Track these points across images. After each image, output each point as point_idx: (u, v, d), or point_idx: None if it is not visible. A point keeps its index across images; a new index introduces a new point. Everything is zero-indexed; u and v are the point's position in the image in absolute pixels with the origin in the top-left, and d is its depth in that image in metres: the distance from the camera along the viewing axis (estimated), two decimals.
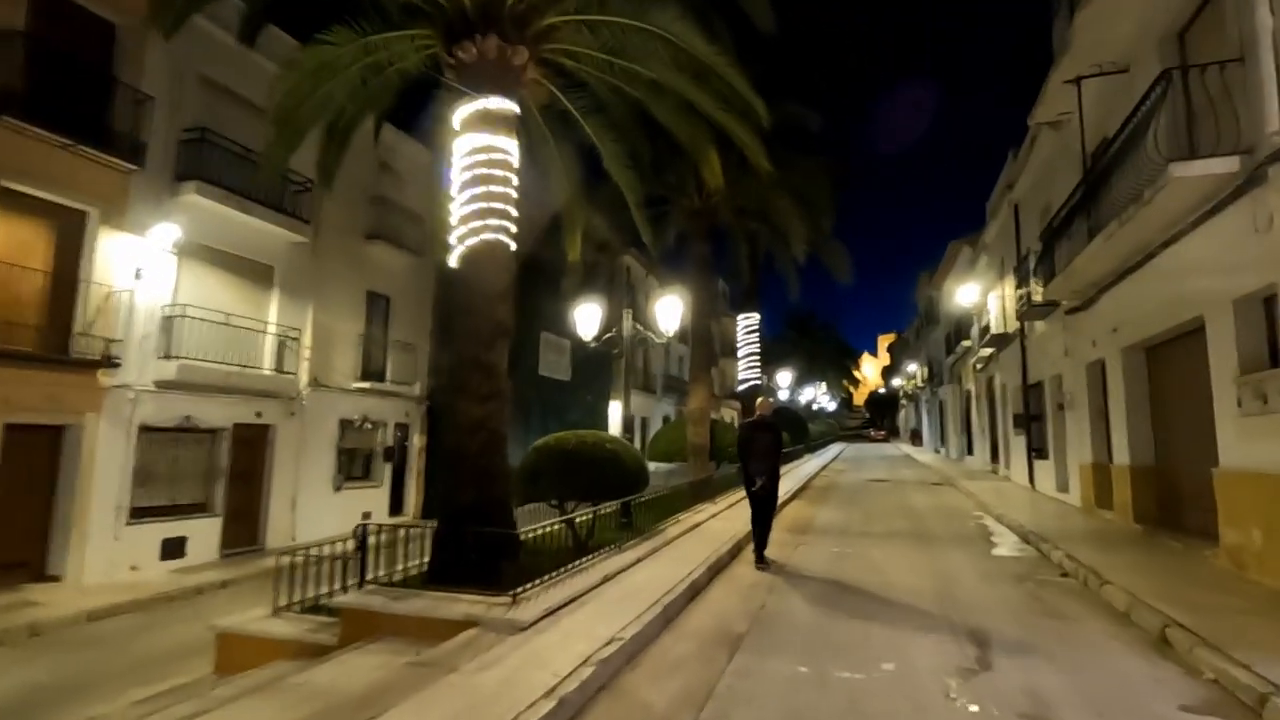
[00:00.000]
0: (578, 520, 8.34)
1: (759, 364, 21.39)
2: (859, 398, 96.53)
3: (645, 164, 10.71)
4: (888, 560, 8.06)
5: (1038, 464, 15.04)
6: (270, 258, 13.49)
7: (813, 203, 14.15)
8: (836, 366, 56.40)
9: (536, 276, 20.08)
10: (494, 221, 6.97)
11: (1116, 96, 9.57)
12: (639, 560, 7.23)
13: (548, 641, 4.60)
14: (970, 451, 25.54)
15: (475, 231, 6.94)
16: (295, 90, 7.61)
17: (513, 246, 7.19)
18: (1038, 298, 13.42)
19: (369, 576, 5.93)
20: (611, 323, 11.82)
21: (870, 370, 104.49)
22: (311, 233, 14.07)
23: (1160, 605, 5.45)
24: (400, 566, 6.53)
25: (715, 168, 9.31)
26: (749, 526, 9.92)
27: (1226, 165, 6.43)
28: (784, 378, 31.39)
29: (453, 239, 7.08)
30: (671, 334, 11.25)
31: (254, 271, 13.27)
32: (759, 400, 8.91)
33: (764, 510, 7.98)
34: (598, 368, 26.02)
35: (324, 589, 6.23)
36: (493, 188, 7.01)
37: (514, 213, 7.22)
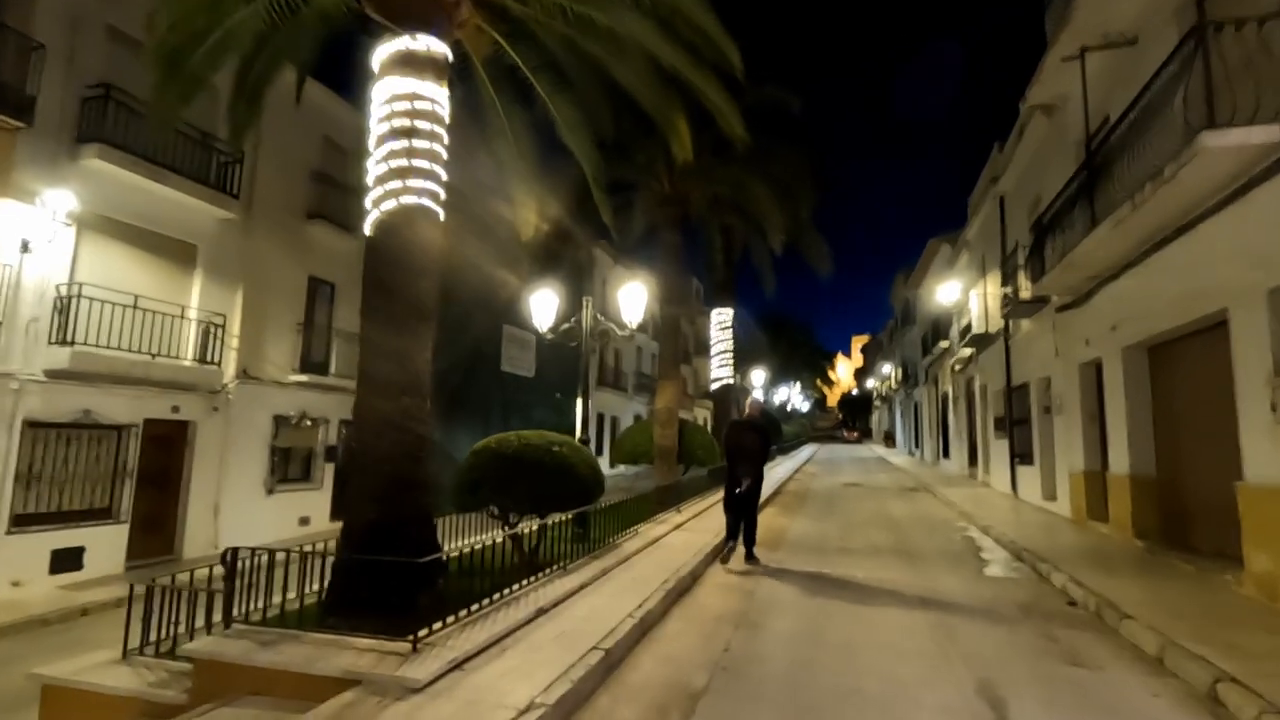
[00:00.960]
0: (526, 533, 7.29)
1: (733, 362, 20.45)
2: (832, 399, 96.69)
3: (608, 137, 9.66)
4: (870, 582, 7.10)
5: (1021, 470, 14.30)
6: (193, 235, 12.14)
7: (791, 190, 13.23)
8: (811, 367, 55.92)
9: (499, 266, 18.92)
10: (417, 183, 5.85)
11: (1121, 73, 8.76)
12: (585, 586, 6.16)
13: (442, 713, 3.51)
14: (946, 455, 24.95)
15: (393, 194, 5.81)
16: (184, 24, 6.40)
17: (440, 214, 6.08)
18: (1025, 294, 12.67)
19: (237, 612, 4.74)
20: (572, 312, 10.73)
21: (844, 371, 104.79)
22: (241, 209, 12.75)
23: (1200, 650, 4.55)
24: (304, 591, 5.38)
25: (684, 139, 8.28)
26: (716, 538, 9.00)
27: (1267, 135, 5.57)
28: (758, 377, 30.52)
29: (367, 203, 5.94)
30: (635, 325, 10.22)
31: (173, 250, 11.90)
32: (748, 401, 9.09)
33: (746, 509, 8.06)
34: (566, 364, 24.87)
35: (200, 622, 5.05)
36: (416, 142, 5.89)
37: (443, 175, 6.11)
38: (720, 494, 14.18)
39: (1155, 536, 8.57)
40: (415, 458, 5.69)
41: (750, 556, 7.98)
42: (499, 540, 7.04)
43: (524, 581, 5.86)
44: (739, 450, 8.08)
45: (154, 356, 10.92)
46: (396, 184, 5.80)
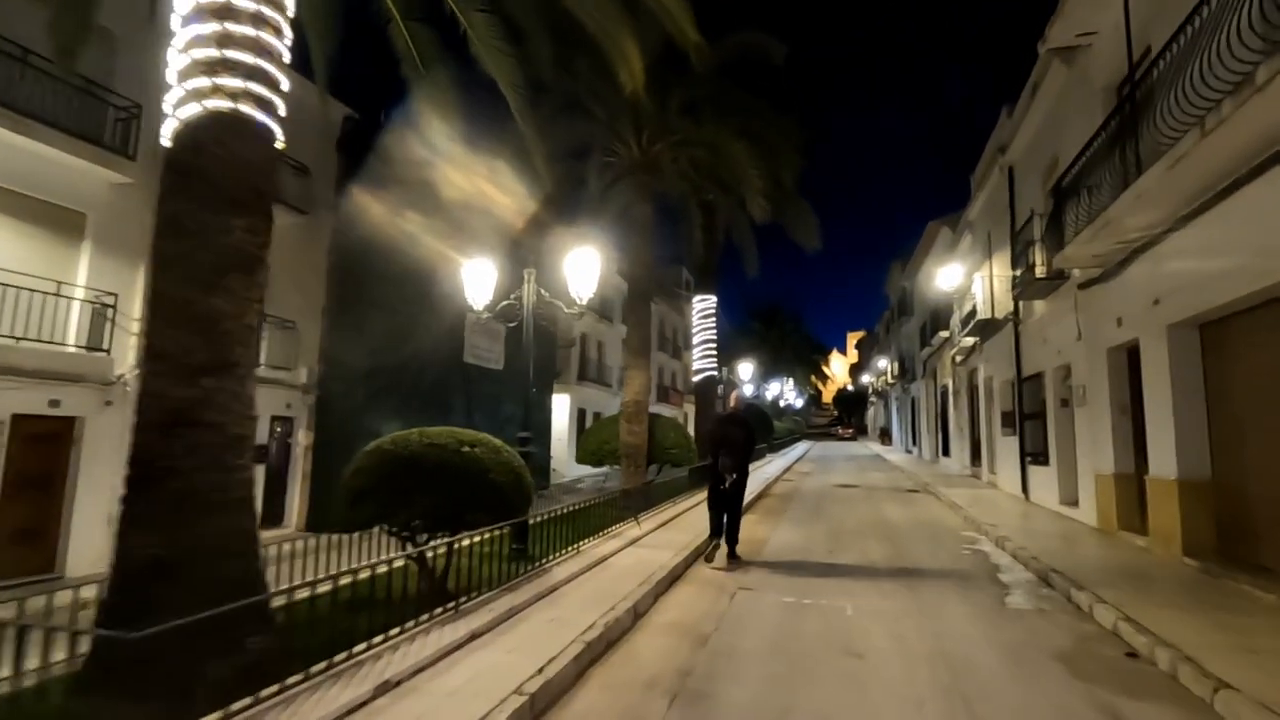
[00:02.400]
0: (433, 556, 5.71)
1: (716, 352, 18.86)
2: (827, 395, 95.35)
3: (546, 73, 8.04)
4: (863, 620, 5.52)
5: (1034, 471, 12.74)
6: (81, 202, 10.46)
7: (774, 150, 11.60)
8: (804, 362, 54.32)
9: (460, 244, 17.28)
10: (231, 82, 4.22)
11: None
12: (476, 635, 4.55)
13: None
14: (946, 453, 23.41)
15: (198, 95, 4.18)
16: None
17: (272, 129, 4.45)
18: (1040, 271, 11.10)
19: None
20: (513, 288, 9.10)
21: (839, 368, 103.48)
22: (142, 173, 11.06)
23: None
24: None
25: (634, 66, 6.67)
26: (678, 556, 7.41)
27: None
28: (745, 370, 28.86)
29: (166, 107, 4.31)
30: (585, 301, 8.59)
31: (54, 219, 10.22)
32: (732, 395, 9.07)
33: (730, 507, 7.86)
34: (542, 355, 23.27)
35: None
36: (232, 26, 4.25)
37: (278, 76, 4.48)
38: (694, 500, 12.70)
39: (1211, 554, 7.01)
40: (226, 466, 4.07)
41: (732, 555, 7.77)
42: (409, 563, 5.54)
43: (386, 635, 4.24)
44: (722, 445, 7.89)
45: (18, 340, 9.26)
46: (204, 82, 4.17)
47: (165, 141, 4.24)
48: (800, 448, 41.98)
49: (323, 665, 3.66)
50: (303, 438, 14.85)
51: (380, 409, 15.51)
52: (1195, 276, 6.93)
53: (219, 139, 4.16)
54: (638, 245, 12.53)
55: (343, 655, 3.79)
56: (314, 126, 14.95)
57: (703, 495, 13.87)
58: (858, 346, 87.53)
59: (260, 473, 13.78)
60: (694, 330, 19.01)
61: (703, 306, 18.89)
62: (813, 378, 63.21)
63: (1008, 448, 14.61)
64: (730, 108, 12.01)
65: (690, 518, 10.56)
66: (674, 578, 6.81)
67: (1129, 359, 8.99)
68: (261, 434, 13.83)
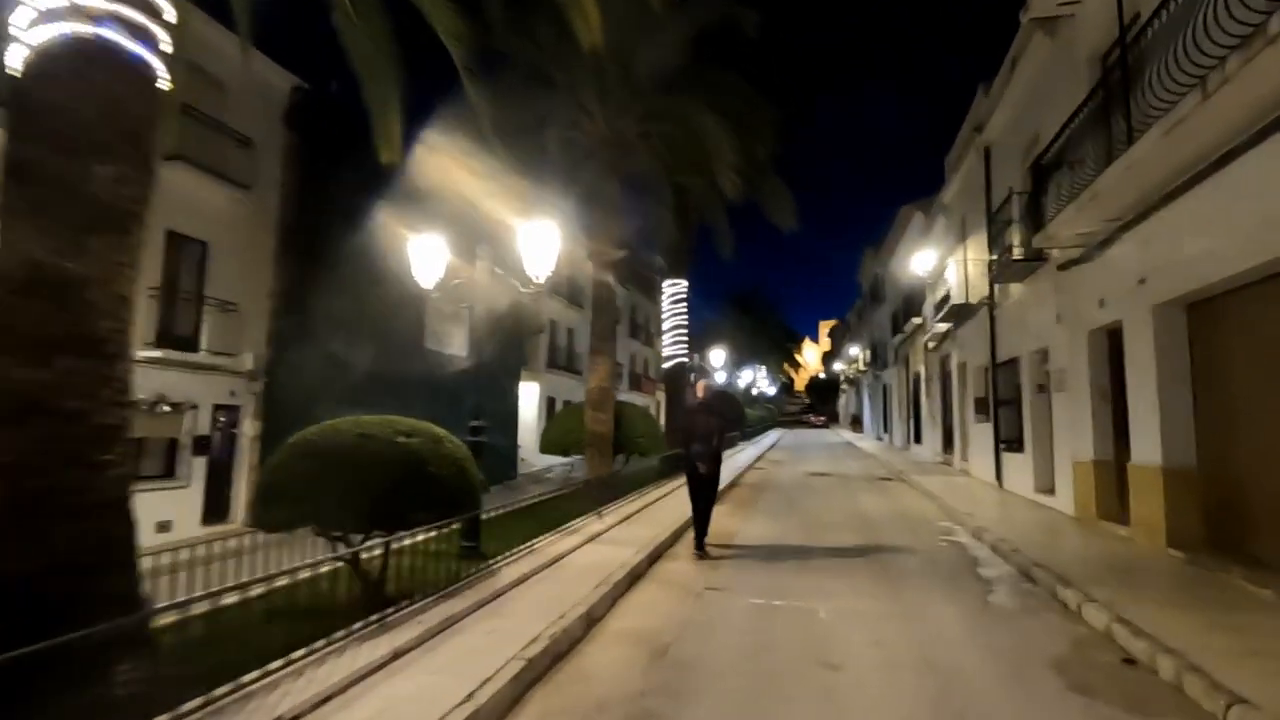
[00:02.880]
0: (374, 556, 5.12)
1: (687, 339, 18.36)
2: (800, 383, 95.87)
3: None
4: (839, 624, 5.05)
5: (1008, 458, 12.49)
6: None
7: (747, 124, 11.04)
8: (778, 349, 54.24)
9: (419, 223, 16.45)
10: (94, 2, 3.51)
11: None
12: (400, 653, 3.96)
13: None
14: (918, 440, 23.30)
15: (53, 16, 3.46)
16: None
17: (151, 61, 3.75)
18: (1018, 253, 10.76)
19: None
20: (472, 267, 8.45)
21: (812, 356, 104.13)
22: None
23: None
24: None
25: (591, 15, 6.03)
26: (641, 553, 6.89)
27: None
28: (717, 357, 28.44)
29: (15, 29, 3.58)
30: (542, 280, 7.97)
31: None
32: (700, 384, 9.07)
33: (705, 495, 7.73)
34: (508, 342, 22.56)
35: None
36: None
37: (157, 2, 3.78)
38: (663, 491, 12.22)
39: (1198, 545, 6.70)
40: (90, 463, 3.41)
41: (700, 546, 7.52)
42: (344, 567, 4.94)
43: (288, 658, 3.63)
44: (693, 434, 7.82)
45: None
46: (59, 0, 3.46)
47: (12, 72, 3.52)
48: (772, 435, 41.87)
49: (199, 701, 3.04)
50: (249, 427, 14.01)
51: (335, 397, 14.59)
52: (1186, 253, 6.57)
53: (78, 70, 3.46)
54: (605, 226, 11.90)
55: (226, 688, 3.17)
56: (258, 96, 14.05)
57: (672, 485, 13.45)
58: (830, 335, 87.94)
59: (202, 465, 12.97)
60: (665, 315, 18.48)
61: (674, 291, 18.35)
62: (786, 365, 63.28)
63: (981, 435, 14.38)
64: (702, 81, 11.41)
65: (657, 510, 10.06)
66: (635, 577, 6.29)
67: (1110, 342, 8.67)
68: (204, 424, 13.00)
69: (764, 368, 52.61)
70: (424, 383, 18.10)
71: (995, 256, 12.13)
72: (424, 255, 8.29)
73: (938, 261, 17.61)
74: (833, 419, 70.07)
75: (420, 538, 5.62)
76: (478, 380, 21.67)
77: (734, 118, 10.64)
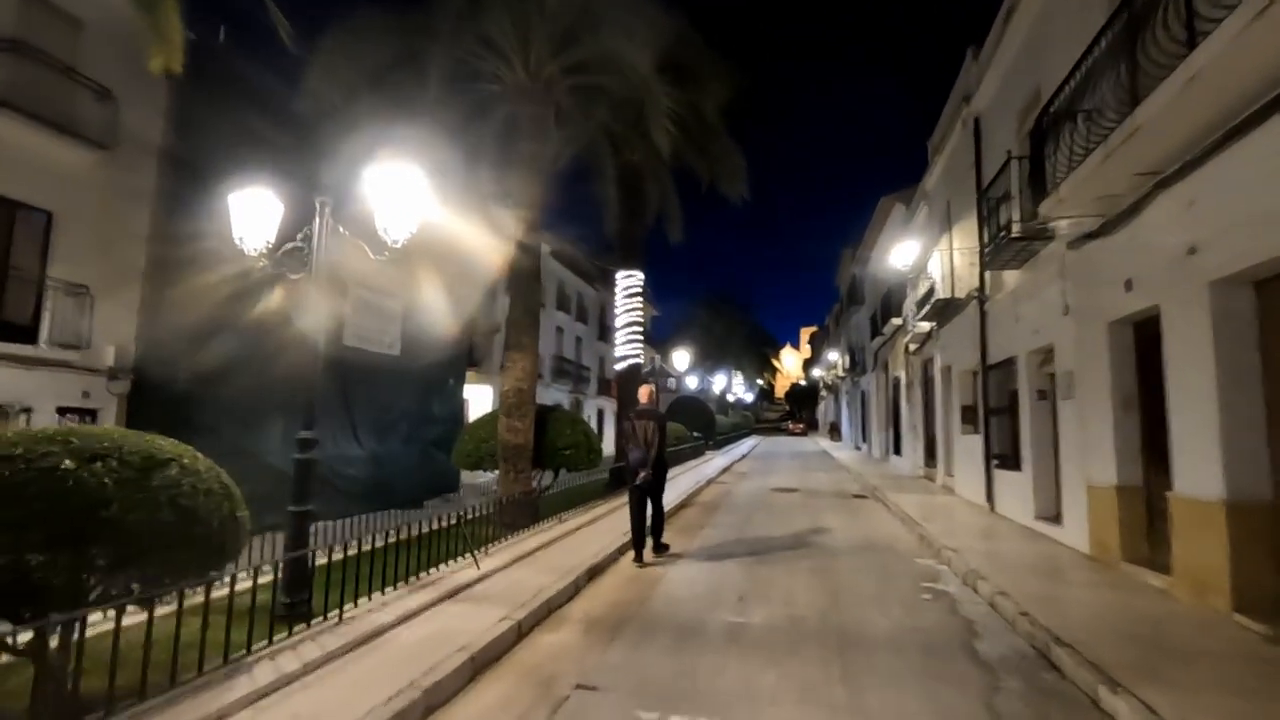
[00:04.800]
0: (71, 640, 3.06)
1: (642, 337, 16.40)
2: (780, 390, 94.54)
3: None
4: None
5: (1002, 477, 10.64)
6: None
7: (690, 73, 9.10)
8: (753, 354, 52.43)
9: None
10: None
11: None
12: None
13: None
14: (898, 451, 21.51)
15: None
16: None
17: None
18: (1017, 229, 8.94)
19: None
20: (302, 224, 6.42)
21: (792, 362, 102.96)
22: None
23: None
24: None
25: None
26: (508, 621, 4.87)
27: None
28: (681, 359, 26.40)
29: None
30: (400, 242, 5.97)
31: None
32: (644, 388, 8.53)
33: (651, 501, 7.61)
34: (454, 340, 20.44)
35: None
36: None
37: None
38: (592, 515, 10.26)
39: (1276, 609, 4.84)
40: None
41: (659, 547, 7.79)
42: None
43: None
44: (634, 440, 7.54)
45: None
46: None
47: None
48: (747, 444, 40.04)
49: None
50: None
51: (224, 400, 12.51)
52: (1260, 209, 4.72)
53: None
54: (522, 192, 9.89)
55: None
56: (129, 42, 11.89)
57: (610, 505, 11.46)
58: (810, 341, 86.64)
59: None
60: (617, 310, 16.51)
61: (628, 284, 16.40)
62: (765, 372, 61.56)
63: (968, 448, 12.55)
64: (640, 19, 9.46)
65: (574, 542, 8.07)
66: (479, 667, 4.26)
67: (1138, 335, 6.84)
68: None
69: (739, 373, 50.78)
70: (342, 386, 15.91)
71: (987, 240, 10.30)
72: (249, 211, 6.26)
73: (920, 255, 15.81)
74: (812, 426, 68.52)
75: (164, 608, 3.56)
76: (415, 382, 19.65)
77: (676, 67, 8.70)
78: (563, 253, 32.14)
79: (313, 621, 4.58)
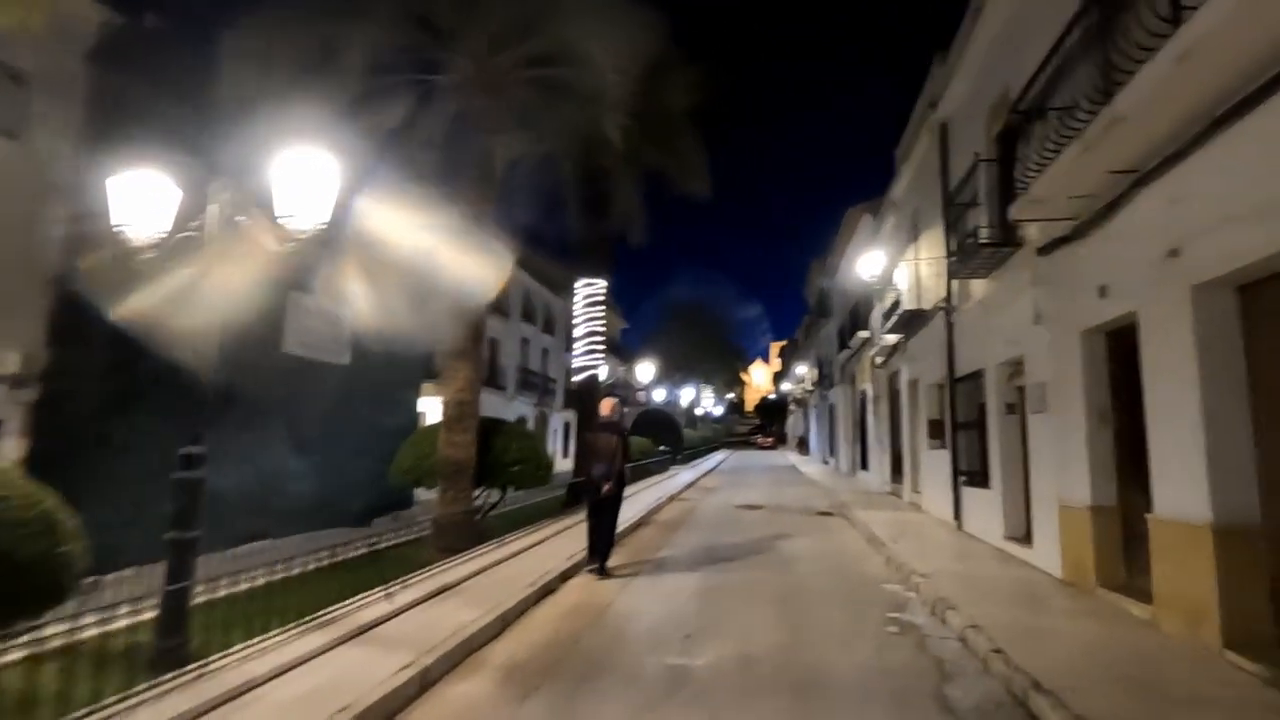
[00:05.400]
0: None
1: (603, 347, 15.77)
2: (750, 404, 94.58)
3: None
4: None
5: (970, 494, 10.22)
6: None
7: (654, 67, 8.57)
8: (724, 367, 52.12)
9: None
10: None
11: None
12: None
13: None
14: (865, 466, 21.16)
15: None
16: None
17: None
18: (985, 235, 8.57)
19: None
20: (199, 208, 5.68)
21: (762, 376, 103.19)
22: None
23: None
24: None
25: None
26: (409, 671, 4.14)
27: None
28: (645, 371, 25.75)
29: None
30: (311, 229, 5.28)
31: None
32: (605, 401, 8.39)
33: (606, 519, 7.55)
34: (405, 348, 19.53)
35: None
36: None
37: None
38: (540, 536, 9.55)
39: (1271, 646, 4.37)
40: None
41: (601, 569, 7.50)
42: None
43: None
44: (593, 452, 7.64)
45: None
46: None
47: None
48: (716, 457, 39.57)
49: None
50: (11, 448, 10.73)
51: (144, 414, 11.52)
52: (1249, 206, 4.31)
53: None
54: (472, 190, 9.23)
55: None
56: (49, 24, 10.96)
57: (559, 527, 10.72)
58: (780, 355, 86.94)
59: None
60: (576, 319, 15.85)
61: (589, 292, 15.76)
62: (736, 386, 61.30)
63: (936, 463, 12.14)
64: (596, 14, 8.92)
65: (511, 568, 7.37)
66: None
67: (1113, 345, 6.44)
68: None
69: (709, 387, 50.40)
70: (280, 396, 14.94)
71: (955, 247, 9.93)
72: (132, 196, 5.52)
73: (887, 265, 15.50)
74: (782, 440, 68.40)
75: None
76: (366, 394, 18.70)
77: (628, 49, 8.15)
78: (529, 261, 31.44)
79: (174, 673, 3.83)
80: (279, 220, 5.29)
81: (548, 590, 6.76)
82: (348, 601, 5.37)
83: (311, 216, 5.36)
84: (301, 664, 4.18)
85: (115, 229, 5.51)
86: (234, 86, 7.93)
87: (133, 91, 11.38)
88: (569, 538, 9.55)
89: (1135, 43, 4.54)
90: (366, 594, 5.60)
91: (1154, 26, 4.35)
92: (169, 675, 3.71)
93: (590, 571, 7.57)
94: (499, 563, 7.62)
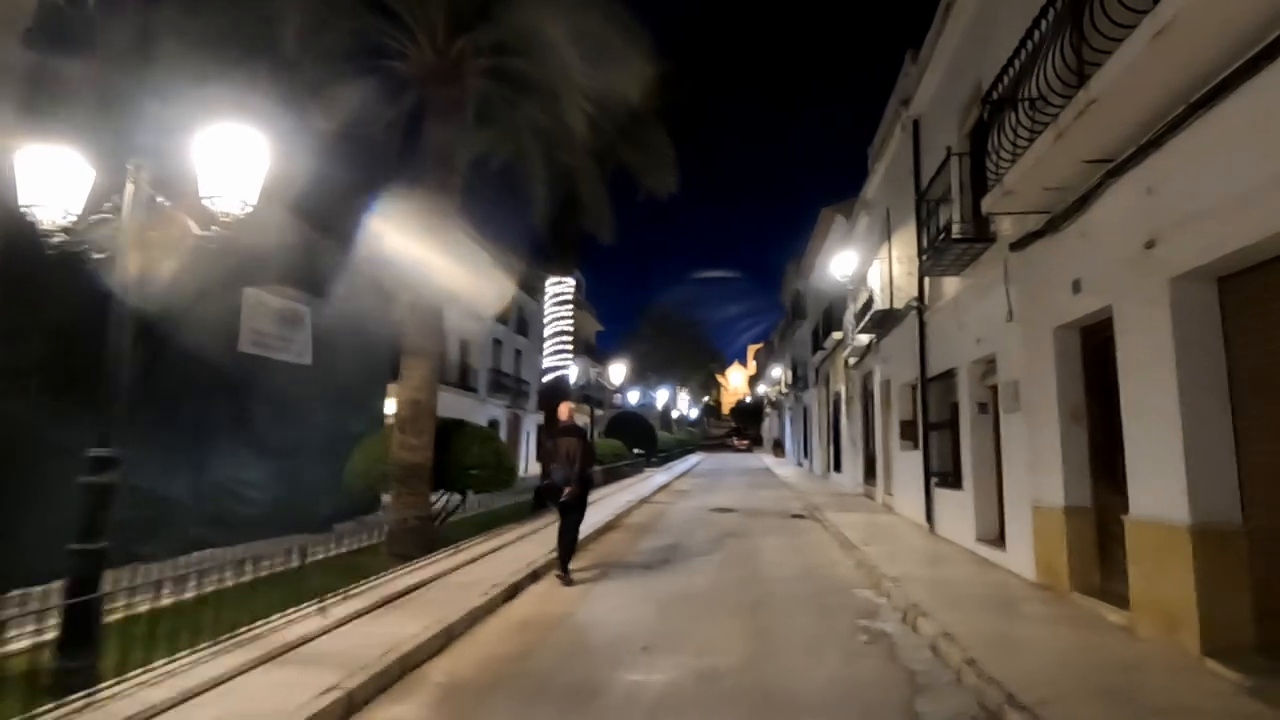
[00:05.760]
0: None
1: (571, 347, 15.40)
2: (727, 406, 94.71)
3: None
4: None
5: (942, 496, 10.05)
6: None
7: (619, 58, 8.26)
8: (699, 370, 52.00)
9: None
10: None
11: None
12: None
13: None
14: (838, 468, 21.06)
15: None
16: None
17: None
18: (958, 230, 8.41)
19: None
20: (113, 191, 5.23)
21: (739, 379, 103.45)
22: None
23: None
24: None
25: None
26: (331, 696, 3.76)
27: None
28: (616, 372, 25.43)
29: None
30: (243, 209, 4.87)
31: None
32: (564, 405, 8.28)
33: (568, 521, 7.43)
34: (368, 349, 18.93)
35: None
36: None
37: None
38: (512, 535, 9.22)
39: (1251, 651, 4.18)
40: None
41: (563, 572, 7.33)
42: None
43: None
44: (555, 457, 7.46)
45: None
46: None
47: None
48: (690, 460, 39.36)
49: None
50: None
51: (81, 417, 10.85)
52: (1231, 193, 4.12)
53: None
54: (431, 183, 8.82)
55: None
56: None
57: (521, 532, 10.31)
58: (756, 358, 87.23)
59: None
60: (546, 319, 15.47)
61: (557, 291, 15.41)
62: (712, 389, 61.23)
63: (908, 464, 11.98)
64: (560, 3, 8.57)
65: (467, 575, 6.98)
66: None
67: (1087, 341, 6.27)
68: None
69: (684, 389, 50.21)
70: (235, 398, 14.28)
71: (926, 244, 9.77)
72: (42, 174, 5.06)
73: (860, 265, 15.38)
74: (757, 442, 68.51)
75: None
76: (329, 395, 18.05)
77: (591, 40, 7.83)
78: (504, 262, 30.96)
79: (55, 703, 3.40)
80: (204, 201, 4.86)
81: (504, 598, 6.39)
82: (275, 616, 4.94)
83: (238, 197, 4.94)
84: (210, 689, 3.76)
85: (23, 209, 5.02)
86: (163, 64, 7.44)
87: (49, 65, 10.76)
88: (532, 543, 9.18)
89: (1110, 20, 4.34)
90: (297, 607, 5.17)
91: (1131, 1, 4.15)
92: (48, 705, 3.28)
93: (558, 575, 7.37)
94: (453, 570, 7.22)
